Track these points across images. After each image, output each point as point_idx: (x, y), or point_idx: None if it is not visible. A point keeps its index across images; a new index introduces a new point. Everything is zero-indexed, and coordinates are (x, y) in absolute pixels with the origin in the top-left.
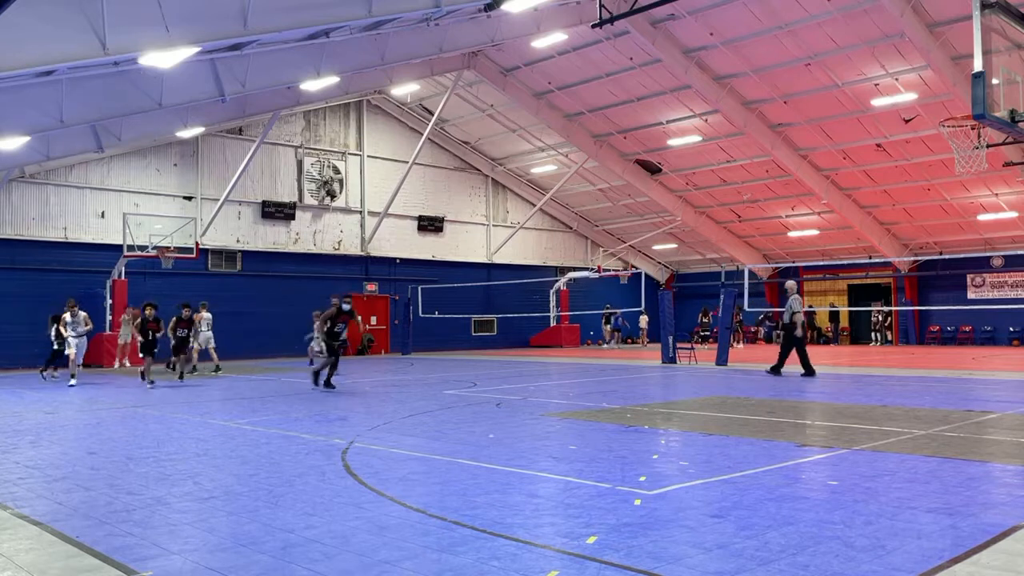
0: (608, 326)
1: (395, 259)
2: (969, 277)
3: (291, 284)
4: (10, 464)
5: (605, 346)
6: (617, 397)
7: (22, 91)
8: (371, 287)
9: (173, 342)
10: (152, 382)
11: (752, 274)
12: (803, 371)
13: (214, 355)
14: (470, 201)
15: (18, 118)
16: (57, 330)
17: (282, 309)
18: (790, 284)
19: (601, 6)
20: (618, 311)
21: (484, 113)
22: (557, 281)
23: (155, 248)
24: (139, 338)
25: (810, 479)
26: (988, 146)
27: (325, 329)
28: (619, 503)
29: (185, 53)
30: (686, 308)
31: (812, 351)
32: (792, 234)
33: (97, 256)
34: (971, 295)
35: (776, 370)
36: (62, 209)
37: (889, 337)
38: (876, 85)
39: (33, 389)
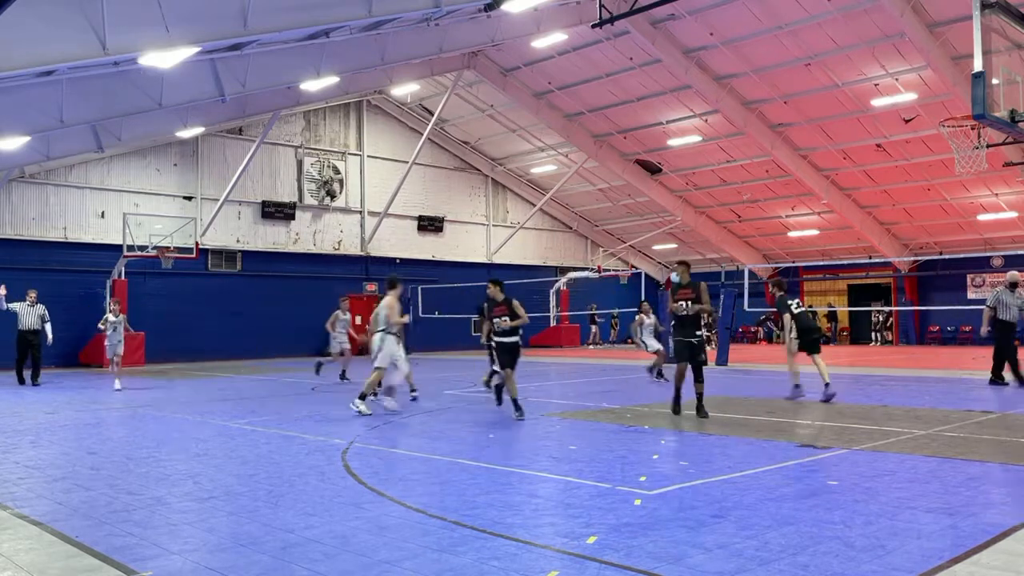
0: (594, 327)
1: (395, 259)
2: (969, 277)
3: (291, 284)
4: (10, 464)
5: (591, 347)
6: (617, 397)
7: (22, 91)
8: (371, 287)
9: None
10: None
11: (752, 274)
12: (993, 377)
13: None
14: (470, 201)
15: (18, 118)
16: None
17: (282, 309)
18: (1013, 274)
19: (601, 6)
20: (613, 311)
21: (484, 113)
22: (557, 281)
23: (155, 248)
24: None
25: (810, 479)
26: (988, 146)
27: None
28: (619, 503)
29: (185, 53)
30: None
31: None
32: (792, 234)
33: (97, 256)
34: (971, 295)
35: (1019, 377)
36: (62, 209)
37: (889, 337)
38: (876, 85)
39: (32, 389)
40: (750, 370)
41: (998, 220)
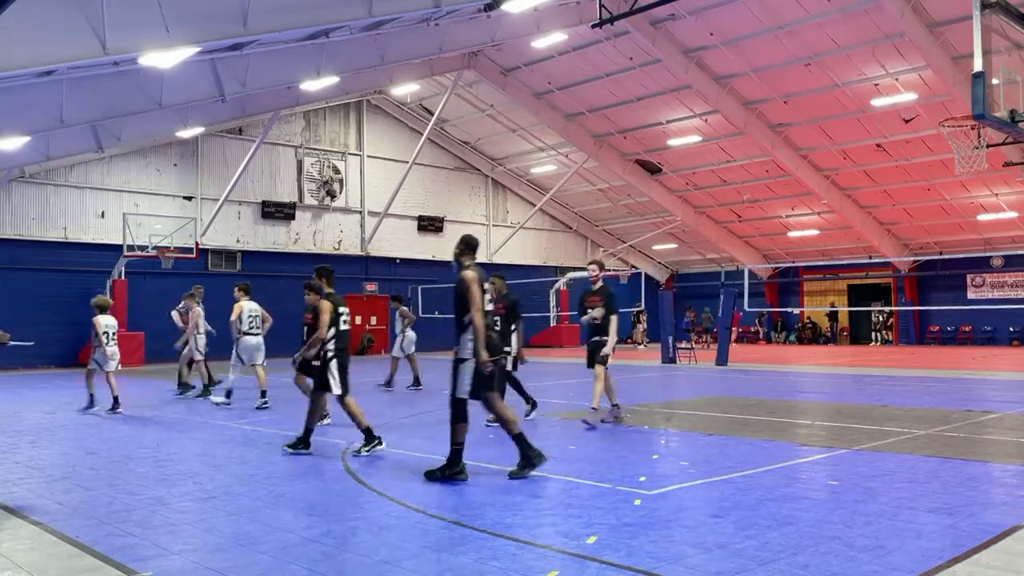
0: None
1: (395, 259)
2: (969, 277)
3: (291, 284)
4: (10, 464)
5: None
6: (617, 397)
7: (22, 91)
8: (371, 287)
9: None
10: None
11: (752, 274)
12: None
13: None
14: (470, 201)
15: (18, 118)
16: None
17: (282, 309)
18: None
19: (601, 6)
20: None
21: (484, 113)
22: (557, 281)
23: (155, 248)
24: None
25: (810, 479)
26: (988, 146)
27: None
28: (619, 503)
29: (185, 53)
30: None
31: (812, 351)
32: (792, 234)
33: (97, 256)
34: (971, 295)
35: None
36: (62, 209)
37: (889, 337)
38: (876, 85)
39: (32, 389)
40: (750, 370)
41: (998, 220)
